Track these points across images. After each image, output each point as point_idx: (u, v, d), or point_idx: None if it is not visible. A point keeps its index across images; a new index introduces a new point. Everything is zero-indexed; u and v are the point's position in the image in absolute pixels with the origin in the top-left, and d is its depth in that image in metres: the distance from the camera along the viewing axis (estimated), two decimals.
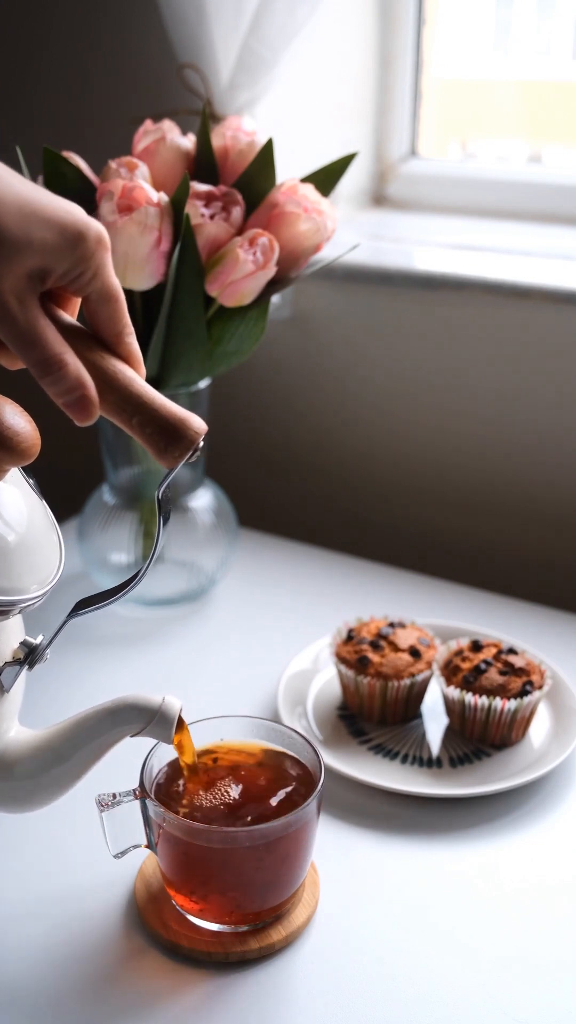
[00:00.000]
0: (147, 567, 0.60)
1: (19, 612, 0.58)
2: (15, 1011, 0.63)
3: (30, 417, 0.58)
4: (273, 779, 0.70)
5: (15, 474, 0.61)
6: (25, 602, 0.57)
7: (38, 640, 0.62)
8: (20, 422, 0.56)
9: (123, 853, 0.69)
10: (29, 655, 0.61)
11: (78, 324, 0.57)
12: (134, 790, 0.67)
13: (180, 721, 0.65)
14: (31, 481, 0.63)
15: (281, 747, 0.73)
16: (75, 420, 0.55)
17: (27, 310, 0.52)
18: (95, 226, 0.54)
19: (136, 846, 0.69)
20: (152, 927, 0.68)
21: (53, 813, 0.69)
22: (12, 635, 0.62)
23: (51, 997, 0.64)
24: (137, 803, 0.67)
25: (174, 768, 0.70)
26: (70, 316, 0.57)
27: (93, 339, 0.56)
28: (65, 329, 0.55)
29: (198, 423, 0.56)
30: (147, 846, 0.69)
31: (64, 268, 0.53)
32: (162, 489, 0.58)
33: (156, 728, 0.64)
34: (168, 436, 0.55)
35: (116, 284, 0.56)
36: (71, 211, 0.53)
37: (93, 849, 0.73)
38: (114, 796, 0.67)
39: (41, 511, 0.62)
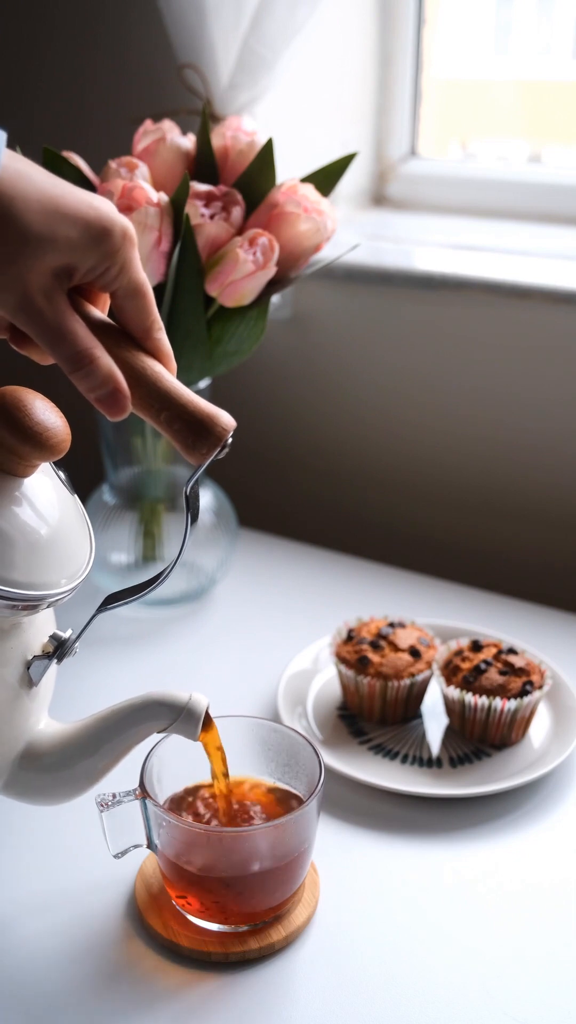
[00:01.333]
0: (175, 563, 0.60)
1: (48, 606, 0.59)
2: (15, 1011, 0.63)
3: (61, 412, 0.58)
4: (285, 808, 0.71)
5: (46, 468, 0.61)
6: (55, 596, 0.58)
7: (67, 634, 0.62)
8: (52, 417, 0.57)
9: (123, 853, 0.69)
10: (58, 648, 0.62)
11: (107, 320, 0.56)
12: (134, 790, 0.67)
13: (207, 719, 0.65)
14: (62, 475, 0.63)
15: (288, 786, 0.73)
16: (107, 415, 0.54)
17: (55, 307, 0.52)
18: (120, 221, 0.53)
19: (136, 846, 0.69)
20: (152, 927, 0.68)
21: (53, 813, 0.69)
22: (42, 629, 0.62)
23: (51, 997, 0.64)
24: (137, 803, 0.67)
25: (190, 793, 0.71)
26: (100, 311, 0.57)
27: (122, 334, 0.56)
28: (94, 325, 0.55)
29: (226, 419, 0.56)
30: (147, 846, 0.69)
31: (90, 264, 0.53)
32: (190, 485, 0.59)
33: (182, 725, 0.64)
34: (196, 432, 0.55)
35: (143, 279, 0.55)
36: (97, 206, 0.52)
37: (93, 849, 0.73)
38: (114, 796, 0.67)
39: (72, 505, 0.62)
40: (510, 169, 1.34)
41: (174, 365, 0.58)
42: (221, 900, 0.67)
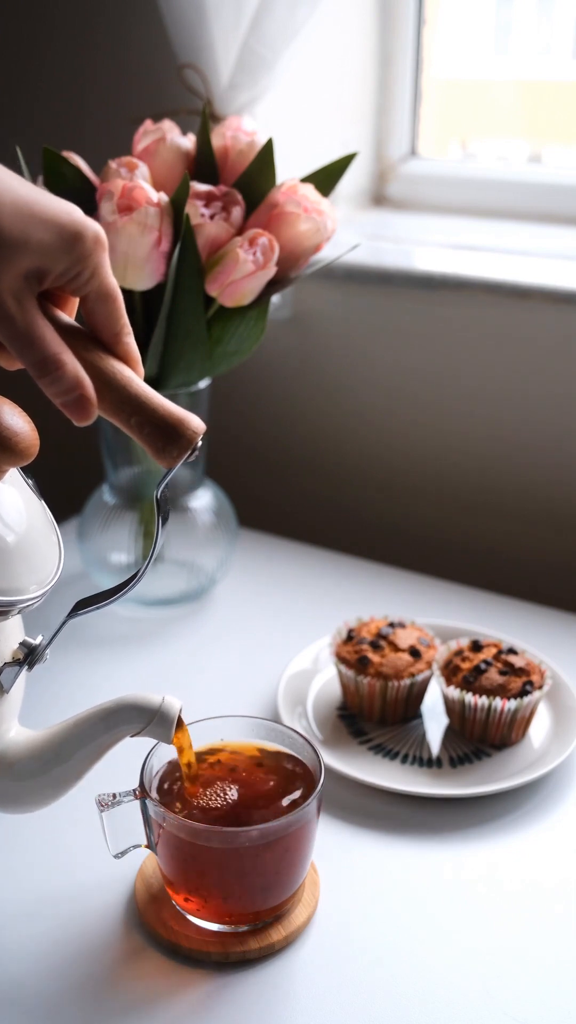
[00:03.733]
0: (146, 567, 0.60)
1: (18, 612, 0.58)
2: (15, 1011, 0.63)
3: (29, 417, 0.58)
4: (274, 779, 0.70)
5: (14, 474, 0.61)
6: (24, 602, 0.57)
7: (37, 640, 0.62)
8: (19, 422, 0.56)
9: (123, 853, 0.69)
10: (29, 655, 0.61)
11: (76, 324, 0.57)
12: (134, 790, 0.67)
13: (180, 721, 0.65)
14: (30, 482, 0.63)
15: (280, 746, 0.72)
16: (73, 420, 0.55)
17: (25, 310, 0.52)
18: (92, 226, 0.54)
19: (136, 846, 0.69)
20: (152, 927, 0.68)
21: (53, 813, 0.69)
22: (11, 635, 0.62)
23: (51, 997, 0.64)
24: (137, 803, 0.67)
25: (173, 768, 0.70)
26: (68, 316, 0.57)
27: (91, 339, 0.56)
28: (63, 329, 0.55)
29: (196, 423, 0.56)
30: (147, 846, 0.69)
31: (62, 268, 0.53)
32: (161, 489, 0.59)
33: (156, 728, 0.64)
34: (166, 436, 0.55)
35: (114, 284, 0.56)
36: (68, 211, 0.53)
37: (93, 849, 0.73)
38: (114, 796, 0.67)
39: (40, 512, 0.62)
40: (510, 169, 1.34)
41: (142, 370, 0.58)
42: (221, 900, 0.67)
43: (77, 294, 0.55)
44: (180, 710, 0.65)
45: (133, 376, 0.56)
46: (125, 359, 0.57)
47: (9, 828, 0.77)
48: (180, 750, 0.67)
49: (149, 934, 0.68)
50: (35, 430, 0.57)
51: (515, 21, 1.37)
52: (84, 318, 0.57)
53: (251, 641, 1.01)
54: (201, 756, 0.71)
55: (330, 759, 0.82)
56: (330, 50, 1.26)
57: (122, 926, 0.69)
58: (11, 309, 0.52)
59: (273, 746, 0.73)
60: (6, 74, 1.37)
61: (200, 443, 0.56)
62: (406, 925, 0.70)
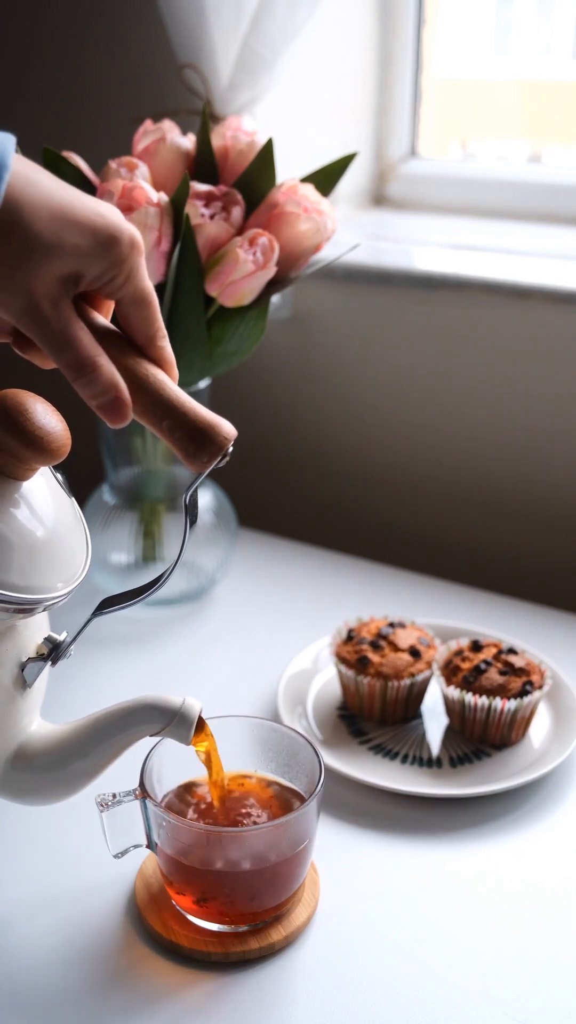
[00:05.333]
0: (172, 568, 0.60)
1: (44, 610, 0.59)
2: (15, 1011, 0.63)
3: (61, 416, 0.58)
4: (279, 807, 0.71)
5: (44, 471, 0.61)
6: (50, 600, 0.58)
7: (62, 636, 0.62)
8: (52, 421, 0.57)
9: (123, 853, 0.69)
10: (52, 651, 0.62)
11: (111, 327, 0.56)
12: (134, 790, 0.67)
13: (201, 723, 0.65)
14: (60, 478, 0.63)
15: (287, 782, 0.73)
16: (107, 422, 0.55)
17: (60, 313, 0.52)
18: (128, 230, 0.53)
19: (136, 846, 0.69)
20: (152, 927, 0.68)
21: (53, 813, 0.69)
22: (37, 631, 0.63)
23: (51, 997, 0.64)
24: (137, 803, 0.67)
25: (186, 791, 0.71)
26: (104, 318, 0.57)
27: (126, 342, 0.56)
28: (98, 332, 0.55)
29: (228, 428, 0.56)
30: (147, 846, 0.69)
31: (97, 272, 0.53)
32: (189, 493, 0.59)
33: (175, 729, 0.64)
34: (197, 441, 0.55)
35: (149, 288, 0.56)
36: (104, 214, 0.52)
37: (93, 849, 0.73)
38: (114, 796, 0.67)
39: (69, 508, 0.62)
40: (510, 169, 1.34)
41: (176, 373, 0.58)
42: (221, 900, 0.67)
43: (112, 297, 0.55)
44: (200, 712, 0.65)
45: (167, 380, 0.56)
46: (159, 362, 0.57)
47: (9, 828, 0.77)
48: (202, 753, 0.67)
49: (149, 934, 0.68)
50: (67, 430, 0.58)
51: (515, 21, 1.37)
52: (119, 321, 0.57)
53: (251, 641, 1.01)
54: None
55: (330, 759, 0.83)
56: (330, 50, 1.26)
57: (122, 926, 0.69)
58: (47, 312, 0.52)
59: (284, 781, 0.73)
60: (6, 74, 1.37)
61: (231, 449, 0.56)
62: (406, 925, 0.70)
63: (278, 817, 0.69)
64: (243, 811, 0.70)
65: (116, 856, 0.69)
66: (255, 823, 0.68)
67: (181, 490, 1.04)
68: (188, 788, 0.72)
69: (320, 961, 0.67)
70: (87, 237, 0.51)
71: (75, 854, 0.75)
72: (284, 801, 0.71)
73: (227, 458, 0.56)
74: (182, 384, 0.96)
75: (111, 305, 0.57)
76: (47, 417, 0.57)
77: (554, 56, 1.34)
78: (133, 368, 0.55)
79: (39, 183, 0.51)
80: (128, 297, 0.55)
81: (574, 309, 1.11)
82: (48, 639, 0.62)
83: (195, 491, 0.59)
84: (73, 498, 0.64)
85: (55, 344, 0.52)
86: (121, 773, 0.71)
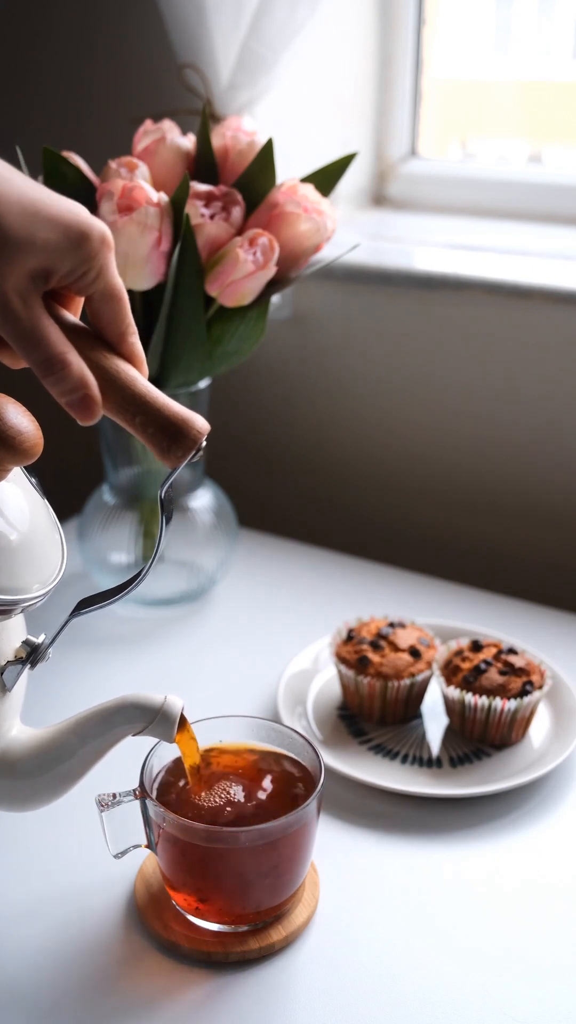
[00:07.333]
0: (149, 567, 0.60)
1: (21, 612, 0.58)
2: (15, 1011, 0.63)
3: (33, 416, 0.58)
4: (273, 780, 0.70)
5: (17, 473, 0.61)
6: (27, 602, 0.57)
7: (40, 639, 0.62)
8: (23, 421, 0.56)
9: (123, 853, 0.69)
10: (31, 654, 0.61)
11: (81, 324, 0.57)
12: (134, 790, 0.67)
13: (183, 720, 0.65)
14: (33, 480, 0.63)
15: (280, 748, 0.72)
16: (78, 420, 0.55)
17: (30, 310, 0.52)
18: (99, 226, 0.53)
19: (136, 846, 0.69)
20: (152, 927, 0.68)
21: (53, 813, 0.69)
22: (14, 634, 0.62)
23: (51, 997, 0.64)
24: (137, 803, 0.67)
25: (176, 767, 0.70)
26: (73, 315, 0.57)
27: (96, 339, 0.56)
28: (68, 328, 0.55)
29: (201, 423, 0.56)
30: (147, 846, 0.69)
31: (67, 268, 0.53)
32: (164, 489, 0.59)
33: (158, 727, 0.64)
34: (171, 436, 0.55)
35: (119, 284, 0.56)
36: (75, 211, 0.53)
37: (93, 849, 0.73)
38: (114, 796, 0.67)
39: (43, 510, 0.62)
40: (510, 169, 1.34)
41: (147, 369, 0.58)
42: (221, 900, 0.67)
43: (82, 294, 0.55)
44: (182, 709, 0.65)
45: (138, 376, 0.56)
46: (130, 359, 0.57)
47: (9, 828, 0.77)
48: (184, 749, 0.67)
49: (149, 934, 0.68)
50: (39, 429, 0.57)
51: (515, 21, 1.37)
52: (89, 318, 0.57)
53: (251, 641, 1.01)
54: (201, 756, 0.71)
55: (330, 759, 0.83)
56: (330, 50, 1.26)
57: (122, 926, 0.69)
58: (17, 308, 0.52)
59: (270, 747, 0.73)
60: (6, 74, 1.37)
61: (204, 444, 0.56)
62: (406, 925, 0.70)
63: (257, 788, 0.69)
64: (223, 788, 0.69)
65: (116, 856, 0.69)
66: (231, 802, 0.68)
67: (181, 491, 1.04)
68: (173, 772, 0.71)
69: (320, 961, 0.67)
70: (58, 233, 0.52)
71: (75, 854, 0.75)
72: (273, 767, 0.71)
73: (201, 453, 0.56)
74: (182, 384, 0.96)
75: (80, 302, 0.57)
76: (18, 417, 0.56)
77: (554, 56, 1.34)
78: (104, 365, 0.55)
79: (10, 180, 0.51)
80: (99, 293, 0.55)
81: (574, 309, 1.11)
82: (26, 642, 0.62)
83: (170, 487, 0.59)
84: (46, 500, 0.63)
85: (25, 341, 0.53)
86: (121, 773, 0.71)
